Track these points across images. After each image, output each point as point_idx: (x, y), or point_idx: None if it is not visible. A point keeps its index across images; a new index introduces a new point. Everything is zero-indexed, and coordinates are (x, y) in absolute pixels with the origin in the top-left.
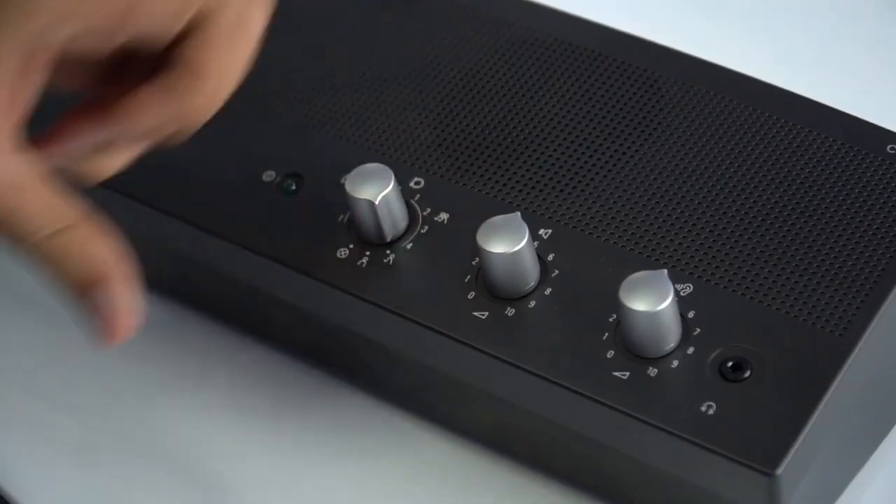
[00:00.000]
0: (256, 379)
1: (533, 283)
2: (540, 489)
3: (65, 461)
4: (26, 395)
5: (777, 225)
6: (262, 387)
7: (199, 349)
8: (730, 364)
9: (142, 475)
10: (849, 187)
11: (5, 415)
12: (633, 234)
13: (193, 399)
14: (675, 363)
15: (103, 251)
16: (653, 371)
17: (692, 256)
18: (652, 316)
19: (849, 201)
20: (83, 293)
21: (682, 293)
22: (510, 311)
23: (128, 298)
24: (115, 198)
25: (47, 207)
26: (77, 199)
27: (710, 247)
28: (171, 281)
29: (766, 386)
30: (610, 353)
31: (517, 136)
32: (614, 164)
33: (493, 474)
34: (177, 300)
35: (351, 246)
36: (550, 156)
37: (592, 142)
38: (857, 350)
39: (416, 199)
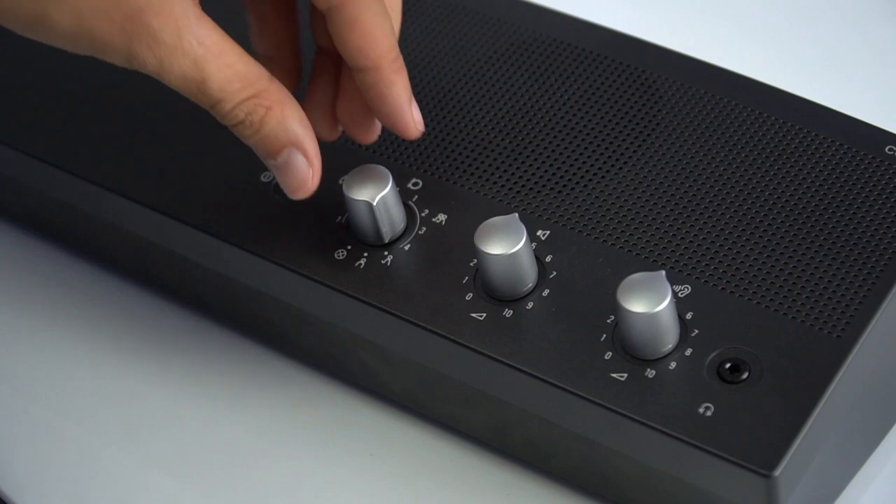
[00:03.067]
0: (255, 379)
1: (531, 285)
2: (538, 489)
3: (65, 461)
4: (26, 395)
5: (775, 226)
6: (262, 387)
7: (199, 349)
8: (728, 365)
9: (141, 475)
10: (847, 188)
11: (5, 415)
12: (631, 235)
13: (193, 399)
14: (673, 365)
15: (294, 116)
16: (651, 372)
17: (690, 258)
18: (650, 317)
19: (847, 202)
20: (273, 154)
21: (680, 294)
22: (508, 313)
23: (312, 162)
24: (113, 199)
25: (239, 73)
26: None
27: (708, 248)
28: (170, 281)
29: (764, 387)
30: (608, 355)
31: (515, 136)
32: (613, 165)
33: (491, 474)
34: (177, 300)
35: (349, 247)
36: (549, 157)
37: (591, 143)
38: (855, 351)
39: (414, 200)
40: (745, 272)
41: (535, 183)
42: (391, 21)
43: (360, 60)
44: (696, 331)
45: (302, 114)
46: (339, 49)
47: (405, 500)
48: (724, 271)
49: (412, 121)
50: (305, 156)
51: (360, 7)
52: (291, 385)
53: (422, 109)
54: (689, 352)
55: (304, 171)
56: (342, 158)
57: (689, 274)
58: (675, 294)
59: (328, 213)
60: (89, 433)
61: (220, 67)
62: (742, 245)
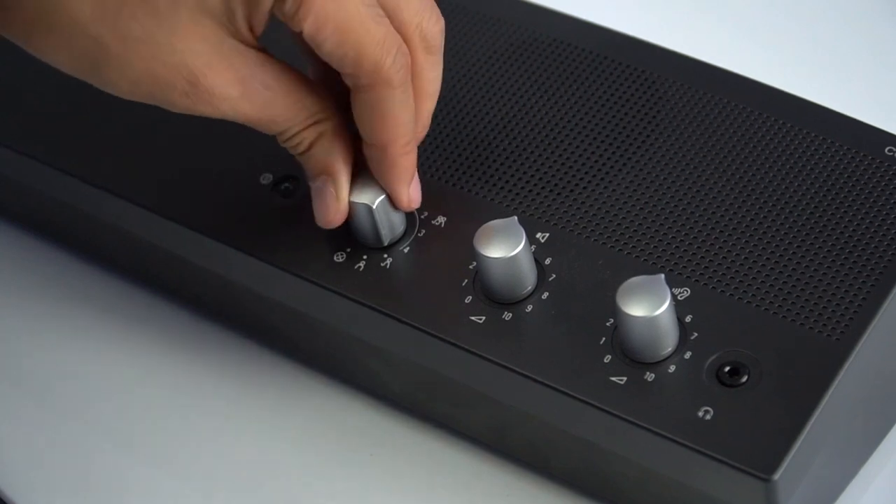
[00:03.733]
0: (255, 379)
1: (530, 288)
2: (538, 491)
3: (64, 461)
4: (26, 395)
5: (775, 228)
6: (262, 387)
7: (199, 350)
8: (727, 369)
9: (141, 475)
10: (847, 190)
11: (5, 415)
12: (630, 237)
13: (193, 400)
14: (673, 368)
15: (340, 149)
16: (650, 376)
17: (690, 260)
18: (649, 321)
19: (847, 204)
20: (312, 176)
21: (679, 297)
22: (507, 316)
23: (340, 198)
24: (113, 201)
25: (306, 106)
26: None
27: (707, 250)
28: (170, 281)
29: (763, 390)
30: (607, 358)
31: (515, 138)
32: (612, 167)
33: (491, 475)
34: (177, 300)
35: (348, 250)
36: (548, 159)
37: (591, 144)
38: (854, 354)
39: None
40: (745, 275)
41: (535, 185)
42: (412, 112)
43: (369, 138)
44: (696, 334)
45: (349, 152)
46: (355, 120)
47: (405, 500)
48: (723, 274)
49: (406, 199)
50: (336, 190)
51: (382, 96)
52: (291, 385)
53: None
54: (688, 355)
55: (330, 204)
56: None
57: (688, 277)
58: (674, 297)
59: None
60: (89, 433)
61: (288, 105)
62: (741, 247)
